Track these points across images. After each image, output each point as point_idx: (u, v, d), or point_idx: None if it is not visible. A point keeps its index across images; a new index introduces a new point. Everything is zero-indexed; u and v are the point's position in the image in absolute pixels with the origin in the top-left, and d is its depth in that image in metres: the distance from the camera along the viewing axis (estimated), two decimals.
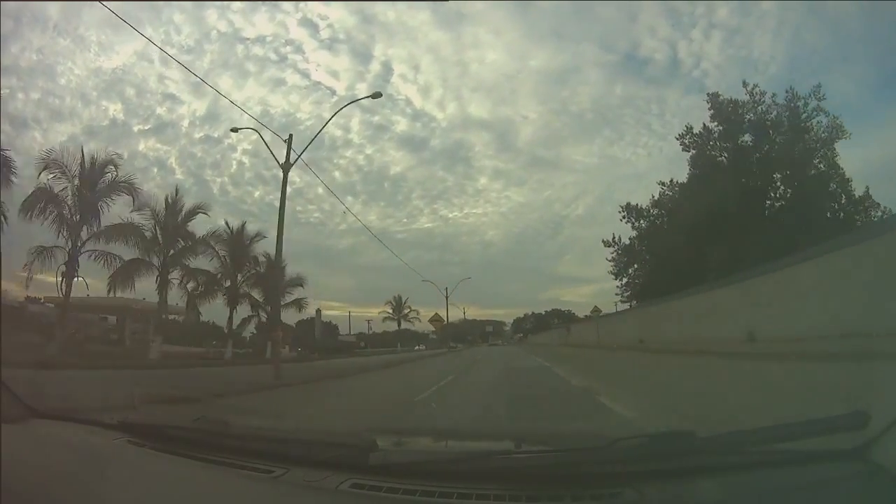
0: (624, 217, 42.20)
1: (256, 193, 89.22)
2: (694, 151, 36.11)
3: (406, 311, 69.03)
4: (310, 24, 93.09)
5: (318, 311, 65.41)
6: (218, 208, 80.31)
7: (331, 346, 51.03)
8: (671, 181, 39.59)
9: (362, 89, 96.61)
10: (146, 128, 75.22)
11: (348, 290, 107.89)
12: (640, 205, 42.05)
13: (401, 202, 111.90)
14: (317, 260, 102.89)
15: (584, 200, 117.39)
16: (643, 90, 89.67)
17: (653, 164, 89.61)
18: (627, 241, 42.67)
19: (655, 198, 40.59)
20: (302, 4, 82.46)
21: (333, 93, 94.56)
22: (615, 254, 43.45)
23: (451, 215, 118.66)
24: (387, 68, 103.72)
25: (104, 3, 10.75)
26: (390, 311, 68.34)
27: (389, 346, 63.57)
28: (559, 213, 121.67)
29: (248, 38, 75.92)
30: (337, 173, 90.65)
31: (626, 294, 44.37)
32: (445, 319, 47.74)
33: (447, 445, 2.30)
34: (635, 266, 43.03)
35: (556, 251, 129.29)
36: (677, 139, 36.70)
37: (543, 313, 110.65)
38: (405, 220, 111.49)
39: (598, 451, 1.51)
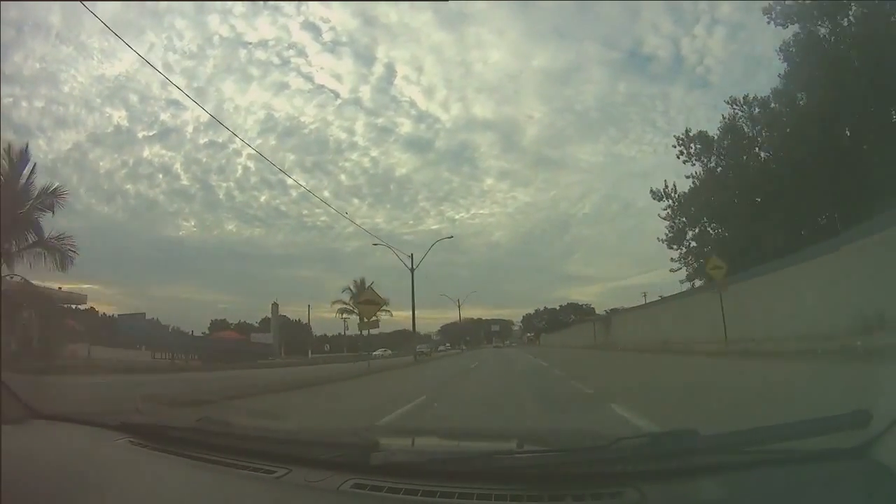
0: (681, 153, 29.50)
1: (262, 198, 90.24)
2: (795, 26, 23.35)
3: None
4: (312, 28, 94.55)
5: (275, 305, 53.94)
6: (224, 213, 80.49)
7: (222, 350, 33.75)
8: (745, 97, 27.64)
9: (366, 92, 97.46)
10: (150, 134, 76.05)
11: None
12: (707, 132, 29.06)
13: (407, 204, 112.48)
14: (325, 263, 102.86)
15: (591, 199, 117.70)
16: (647, 87, 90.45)
17: (658, 161, 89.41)
18: (687, 190, 29.96)
19: (725, 119, 28.00)
20: (304, 7, 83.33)
21: (337, 96, 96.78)
22: (669, 211, 30.94)
23: (457, 216, 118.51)
24: (390, 70, 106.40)
25: (98, 16, 10.04)
26: (347, 301, 48.10)
27: (371, 350, 51.86)
28: (566, 213, 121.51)
29: (250, 43, 77.20)
30: (343, 176, 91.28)
31: (691, 265, 30.90)
32: (412, 305, 33.16)
33: (449, 445, 2.30)
34: (703, 225, 29.99)
35: (564, 251, 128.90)
36: (765, 14, 24.70)
37: (558, 308, 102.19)
38: (412, 221, 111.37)
39: (600, 451, 1.51)
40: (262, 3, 68.41)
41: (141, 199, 73.94)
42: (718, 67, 66.77)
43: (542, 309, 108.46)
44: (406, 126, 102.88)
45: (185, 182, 79.79)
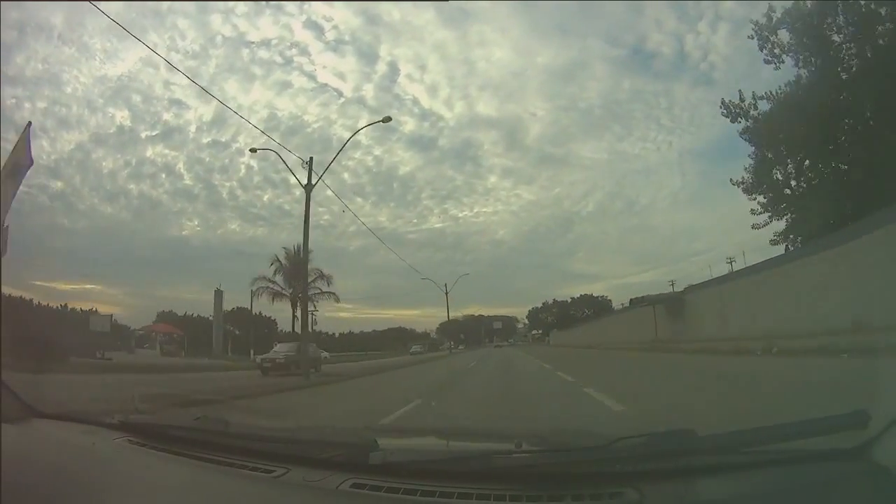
0: (762, 46, 19.05)
1: (266, 197, 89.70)
2: None
3: (310, 278, 32.69)
4: (315, 26, 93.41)
5: (218, 292, 41.18)
6: (227, 212, 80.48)
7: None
8: None
9: (369, 90, 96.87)
10: (153, 134, 76.16)
11: (361, 291, 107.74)
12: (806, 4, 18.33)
13: (410, 202, 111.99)
14: (329, 262, 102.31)
15: (594, 197, 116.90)
16: (651, 84, 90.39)
17: (662, 158, 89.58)
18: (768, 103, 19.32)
19: None
20: (306, 6, 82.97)
21: (340, 94, 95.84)
22: (749, 134, 20.69)
23: (460, 215, 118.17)
24: (393, 68, 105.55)
25: (103, 8, 10.10)
26: (270, 278, 37.09)
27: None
28: (569, 210, 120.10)
29: (253, 42, 77.18)
30: (346, 175, 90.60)
31: (785, 215, 20.66)
32: (303, 243, 17.79)
33: (448, 445, 2.30)
34: (805, 154, 19.11)
35: (567, 249, 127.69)
36: None
37: (569, 300, 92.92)
38: (415, 220, 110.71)
39: (599, 451, 1.51)
40: (264, 2, 68.34)
41: (144, 199, 73.89)
42: (722, 64, 66.74)
43: (550, 302, 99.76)
44: (409, 124, 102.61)
45: (188, 182, 79.91)
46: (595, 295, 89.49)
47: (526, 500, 1.31)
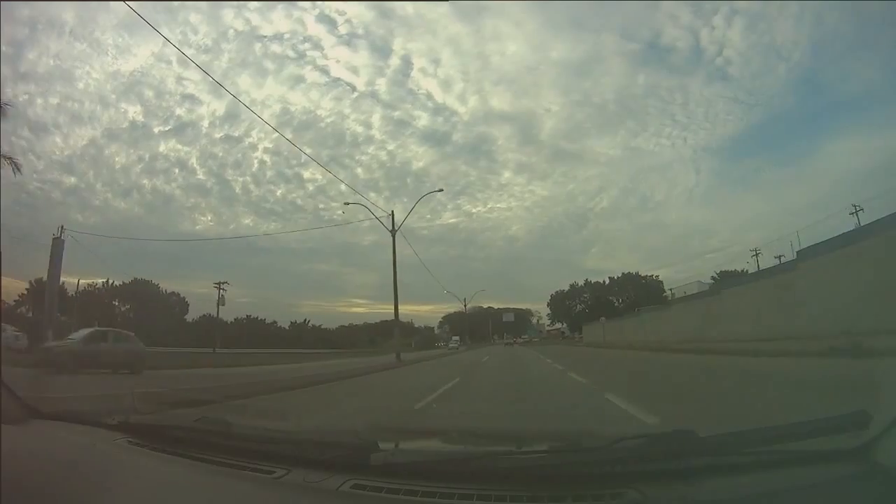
0: None
1: (279, 192, 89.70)
2: None
3: None
4: (328, 20, 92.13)
5: (57, 242, 23.66)
6: (240, 207, 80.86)
7: None
8: None
9: (382, 84, 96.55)
10: (166, 129, 75.91)
11: (372, 286, 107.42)
12: None
13: (424, 198, 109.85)
14: (341, 257, 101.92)
15: (609, 193, 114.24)
16: (666, 80, 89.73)
17: (676, 155, 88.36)
18: None
19: None
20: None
21: (353, 89, 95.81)
22: None
23: (474, 210, 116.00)
24: (406, 63, 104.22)
25: (124, 1, 10.42)
26: None
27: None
28: (584, 206, 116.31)
29: (265, 36, 76.87)
30: (359, 170, 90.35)
31: None
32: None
33: (449, 446, 2.30)
34: None
35: (582, 245, 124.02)
36: None
37: (606, 283, 73.79)
38: (428, 216, 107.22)
39: (600, 452, 1.51)
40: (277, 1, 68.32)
41: (157, 194, 74.18)
42: (738, 59, 66.45)
43: (580, 284, 77.13)
44: (423, 119, 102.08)
45: (201, 176, 79.98)
46: (642, 275, 69.00)
47: (527, 501, 1.31)
